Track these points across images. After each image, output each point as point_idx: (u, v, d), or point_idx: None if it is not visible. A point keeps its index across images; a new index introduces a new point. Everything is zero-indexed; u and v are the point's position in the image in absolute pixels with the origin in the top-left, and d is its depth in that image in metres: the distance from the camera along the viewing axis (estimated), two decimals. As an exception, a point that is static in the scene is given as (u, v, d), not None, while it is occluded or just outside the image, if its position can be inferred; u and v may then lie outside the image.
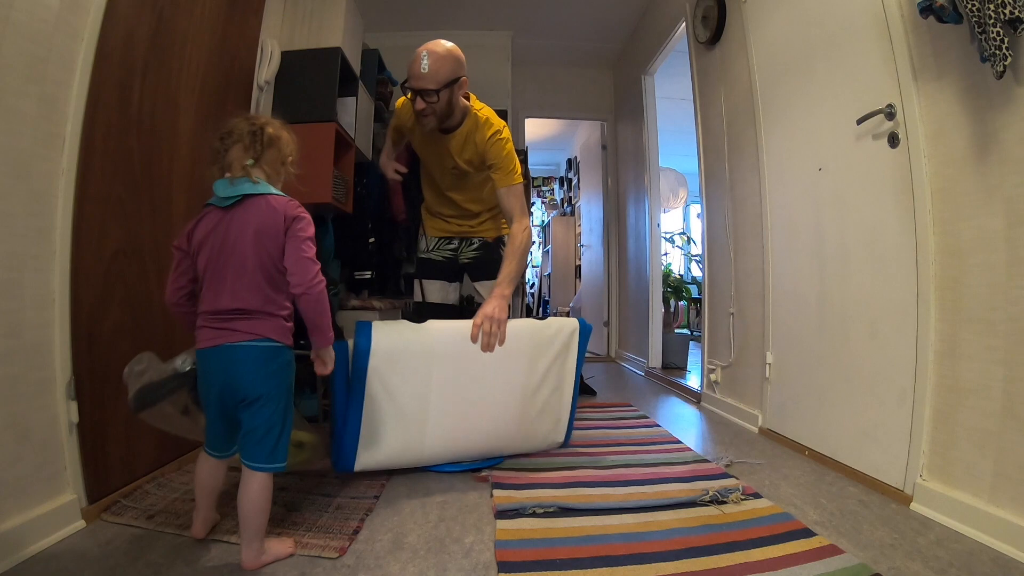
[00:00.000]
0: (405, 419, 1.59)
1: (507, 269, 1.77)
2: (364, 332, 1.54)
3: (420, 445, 1.63)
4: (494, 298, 1.70)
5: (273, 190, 1.14)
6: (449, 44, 1.72)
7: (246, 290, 1.09)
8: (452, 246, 2.09)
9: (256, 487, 1.10)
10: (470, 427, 1.69)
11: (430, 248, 2.10)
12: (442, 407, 1.62)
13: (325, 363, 1.23)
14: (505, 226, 2.07)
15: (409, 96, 1.74)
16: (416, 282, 2.13)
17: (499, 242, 2.11)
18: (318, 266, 1.10)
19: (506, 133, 1.85)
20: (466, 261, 2.10)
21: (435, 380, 1.61)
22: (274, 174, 1.17)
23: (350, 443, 1.55)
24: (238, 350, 1.08)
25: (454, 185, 1.98)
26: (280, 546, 1.18)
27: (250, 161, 1.11)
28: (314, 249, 1.09)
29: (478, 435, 1.71)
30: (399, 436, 1.59)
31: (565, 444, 1.92)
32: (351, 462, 1.56)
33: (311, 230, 1.10)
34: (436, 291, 2.10)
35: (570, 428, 1.91)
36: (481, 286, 2.09)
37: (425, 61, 1.65)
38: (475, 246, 2.09)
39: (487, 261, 2.07)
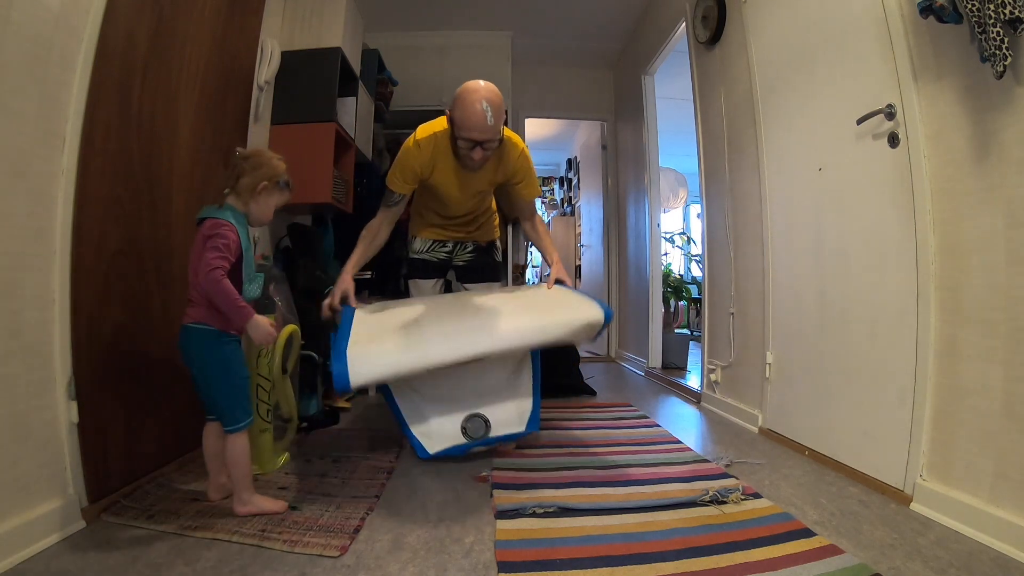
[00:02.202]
0: (404, 327, 1.62)
1: (551, 244, 1.99)
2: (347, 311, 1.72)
3: (421, 342, 1.53)
4: (558, 264, 1.91)
5: (224, 214, 1.34)
6: (493, 86, 1.69)
7: (193, 285, 1.35)
8: (447, 249, 2.09)
9: (230, 446, 1.36)
10: (467, 323, 1.65)
11: (424, 249, 2.09)
12: (437, 315, 1.72)
13: (253, 338, 1.37)
14: (498, 230, 2.16)
15: (463, 144, 1.68)
16: (411, 283, 2.14)
17: (491, 246, 2.13)
18: (213, 266, 1.27)
19: (524, 146, 1.88)
20: (461, 263, 2.11)
21: (424, 311, 1.76)
22: (247, 197, 1.38)
23: (342, 341, 1.48)
24: (185, 330, 1.35)
25: (468, 205, 1.97)
26: (269, 503, 1.38)
27: (226, 191, 1.38)
28: (215, 253, 1.28)
29: (477, 325, 1.62)
30: (398, 339, 1.55)
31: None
32: (343, 365, 1.40)
33: (220, 242, 1.29)
34: (430, 289, 2.11)
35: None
36: (472, 287, 2.11)
37: (490, 114, 1.62)
38: (470, 249, 2.10)
39: (481, 265, 2.10)
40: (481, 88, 1.65)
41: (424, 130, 1.79)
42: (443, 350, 1.50)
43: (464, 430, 1.74)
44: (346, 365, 1.40)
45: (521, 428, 1.80)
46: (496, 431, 1.77)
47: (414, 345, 1.51)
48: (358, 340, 1.50)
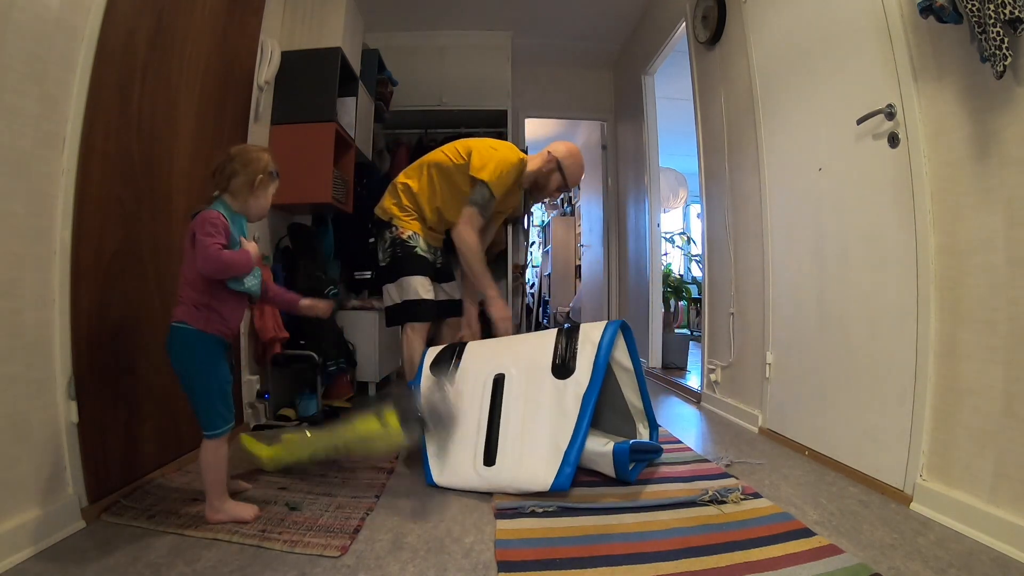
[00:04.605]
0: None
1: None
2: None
3: None
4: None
5: (215, 208, 1.32)
6: None
7: (181, 283, 1.34)
8: (434, 254, 2.14)
9: (202, 451, 1.31)
10: None
11: (427, 250, 2.07)
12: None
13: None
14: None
15: (559, 188, 2.14)
16: (430, 282, 2.07)
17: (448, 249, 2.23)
18: (207, 245, 1.26)
19: None
20: (439, 266, 2.16)
21: None
22: (243, 194, 1.37)
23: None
24: (170, 329, 1.32)
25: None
26: (239, 509, 1.33)
27: (216, 193, 1.37)
28: (207, 238, 1.26)
29: None
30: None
31: None
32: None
33: (208, 228, 1.27)
34: (430, 286, 2.08)
35: None
36: (448, 286, 2.20)
37: None
38: (439, 253, 2.19)
39: (446, 265, 2.22)
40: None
41: (514, 153, 2.07)
42: None
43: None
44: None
45: None
46: None
47: None
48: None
